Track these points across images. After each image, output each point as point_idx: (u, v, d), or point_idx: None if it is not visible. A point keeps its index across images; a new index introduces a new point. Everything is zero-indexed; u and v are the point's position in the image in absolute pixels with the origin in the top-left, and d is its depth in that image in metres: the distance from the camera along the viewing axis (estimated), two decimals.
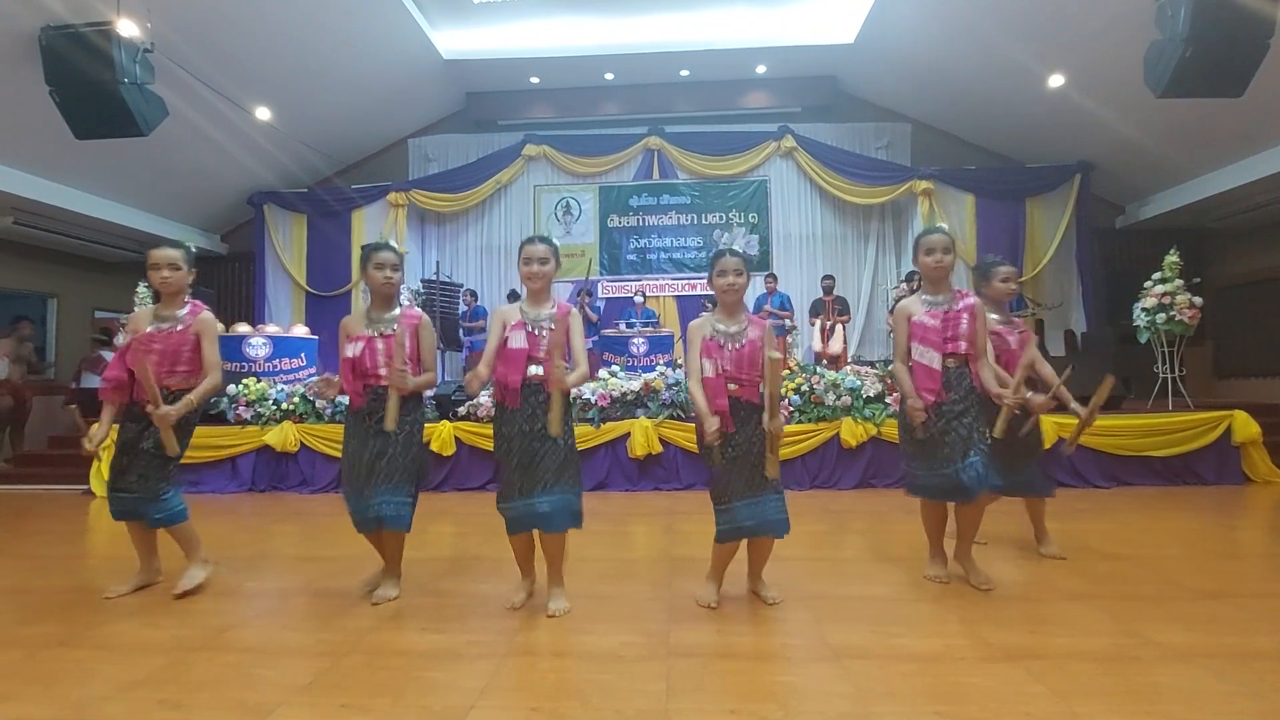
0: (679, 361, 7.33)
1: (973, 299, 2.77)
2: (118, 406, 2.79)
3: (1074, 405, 3.01)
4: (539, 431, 2.48)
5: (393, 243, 3.00)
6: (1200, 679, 1.94)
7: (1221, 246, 8.83)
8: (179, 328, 2.77)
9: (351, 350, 2.65)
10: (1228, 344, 8.74)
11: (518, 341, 2.52)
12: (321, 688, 1.96)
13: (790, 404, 5.55)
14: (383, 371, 2.64)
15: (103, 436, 2.79)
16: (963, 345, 2.70)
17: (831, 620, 2.46)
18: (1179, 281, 5.69)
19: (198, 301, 2.88)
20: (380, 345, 2.65)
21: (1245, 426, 5.28)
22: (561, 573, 2.63)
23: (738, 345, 2.52)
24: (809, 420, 5.52)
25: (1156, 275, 5.80)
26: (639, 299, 8.46)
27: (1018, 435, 2.90)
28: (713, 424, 2.37)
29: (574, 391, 2.89)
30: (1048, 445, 5.23)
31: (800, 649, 2.21)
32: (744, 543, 2.60)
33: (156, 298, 2.90)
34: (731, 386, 2.49)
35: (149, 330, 2.74)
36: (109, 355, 5.80)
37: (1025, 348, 3.00)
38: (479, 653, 2.21)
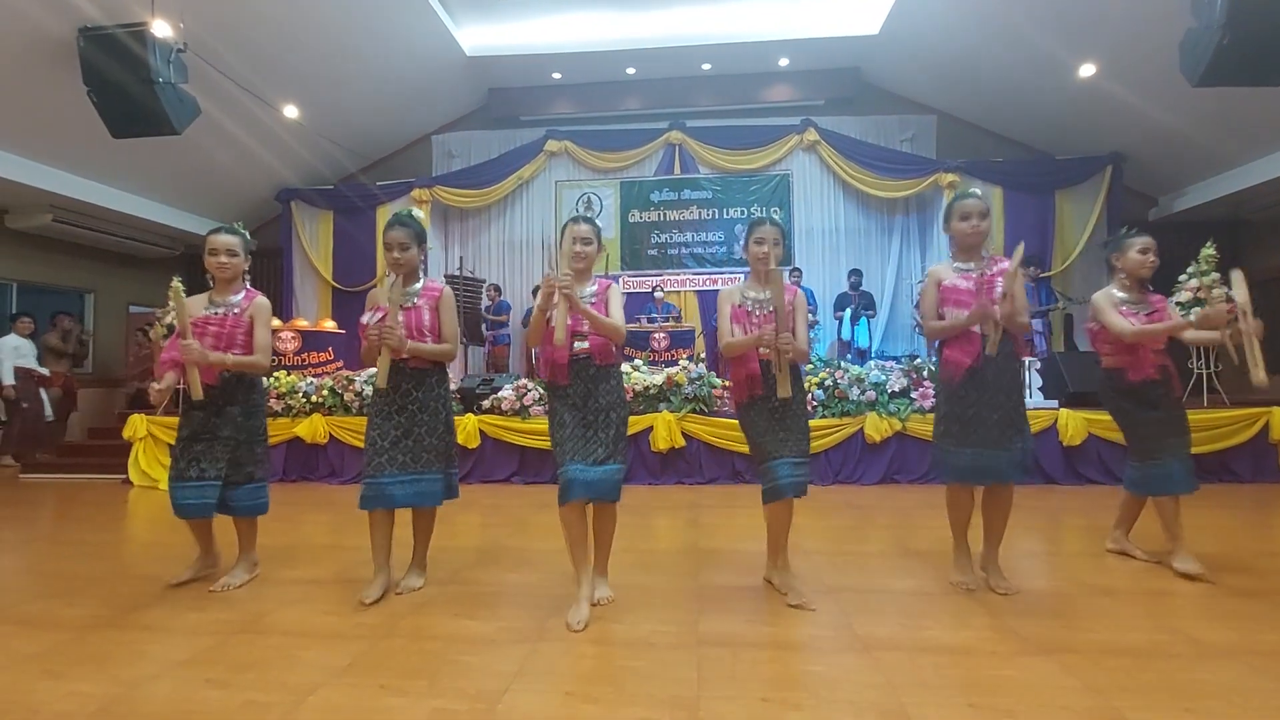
0: (701, 356, 7.33)
1: (1006, 263, 2.59)
2: (174, 381, 2.75)
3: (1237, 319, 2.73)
4: (592, 408, 2.49)
5: (417, 212, 2.94)
6: (1242, 676, 1.91)
7: (1259, 239, 8.59)
8: (235, 312, 2.79)
9: (368, 318, 2.64)
10: (1264, 339, 8.50)
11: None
12: (360, 669, 2.01)
13: (814, 398, 5.53)
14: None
15: (169, 385, 2.70)
16: (999, 311, 2.52)
17: (859, 613, 2.45)
18: (1215, 275, 5.55)
19: (253, 289, 2.91)
20: (401, 319, 2.63)
21: None
22: (607, 561, 2.66)
23: (768, 311, 2.53)
24: (833, 415, 5.49)
25: (1191, 269, 5.67)
26: (659, 294, 8.47)
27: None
28: (767, 330, 2.42)
29: None
30: (1077, 441, 5.20)
31: (829, 640, 2.22)
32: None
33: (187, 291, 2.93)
34: (762, 350, 2.51)
35: (203, 314, 2.77)
36: None
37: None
38: (511, 638, 2.24)
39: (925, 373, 5.47)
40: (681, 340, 7.57)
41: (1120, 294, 2.98)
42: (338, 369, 6.85)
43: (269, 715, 1.75)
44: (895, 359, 6.41)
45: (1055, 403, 5.45)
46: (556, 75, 9.22)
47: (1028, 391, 5.37)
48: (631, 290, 9.27)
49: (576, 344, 2.51)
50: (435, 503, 2.72)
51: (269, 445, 2.98)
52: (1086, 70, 7.27)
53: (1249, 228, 8.57)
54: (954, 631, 2.27)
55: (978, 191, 2.71)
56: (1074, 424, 5.19)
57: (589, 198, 9.64)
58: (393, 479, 2.59)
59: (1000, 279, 2.55)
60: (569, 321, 2.43)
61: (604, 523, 2.60)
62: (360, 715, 1.75)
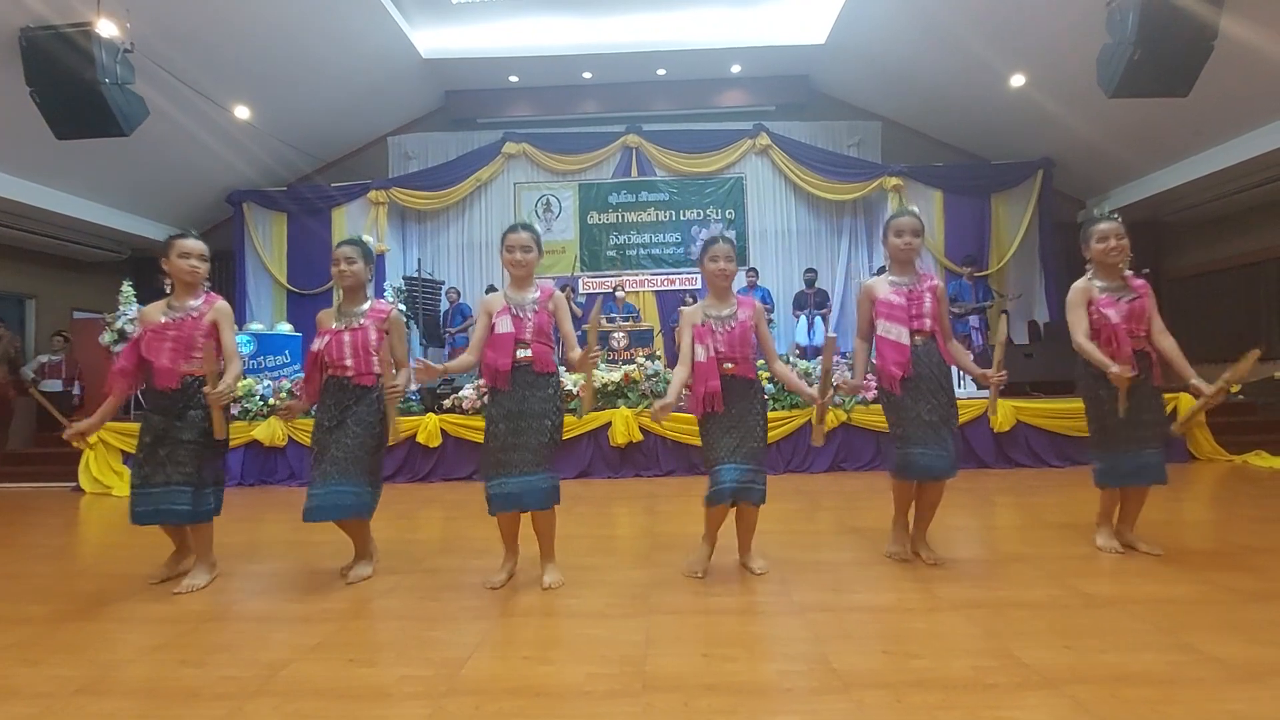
0: (658, 354, 7.54)
1: (935, 280, 2.84)
2: (121, 398, 2.83)
3: (1195, 381, 2.71)
4: (526, 413, 2.61)
5: (366, 237, 3.07)
6: (1117, 619, 2.19)
7: (1176, 240, 9.23)
8: (193, 315, 2.81)
9: (318, 344, 2.76)
10: (1180, 332, 8.99)
11: (504, 326, 2.64)
12: (330, 646, 2.14)
13: (765, 391, 5.79)
14: (348, 362, 2.73)
15: (93, 426, 2.79)
16: (927, 323, 2.78)
17: (798, 582, 2.68)
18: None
19: (212, 293, 2.94)
20: (347, 338, 2.73)
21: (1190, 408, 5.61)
22: (553, 549, 2.77)
23: (729, 327, 2.71)
24: (783, 407, 5.76)
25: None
26: (619, 294, 8.65)
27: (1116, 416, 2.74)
28: (665, 403, 2.56)
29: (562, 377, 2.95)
30: (1004, 428, 5.58)
31: (767, 605, 2.44)
32: (732, 517, 2.77)
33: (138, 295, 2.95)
34: (726, 365, 2.68)
35: (162, 320, 2.78)
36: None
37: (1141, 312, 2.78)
38: (474, 616, 2.39)
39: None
40: (640, 339, 7.77)
41: (1098, 283, 2.89)
42: (294, 372, 6.83)
43: (245, 688, 1.86)
44: (842, 354, 6.72)
45: (987, 393, 5.80)
46: (514, 78, 9.32)
47: (960, 383, 5.76)
48: (591, 291, 9.44)
49: (519, 352, 2.63)
50: (365, 515, 2.81)
51: (227, 450, 3.00)
52: (1018, 80, 7.74)
53: (1168, 229, 9.21)
54: (880, 594, 2.52)
55: (914, 209, 2.95)
56: (1003, 412, 5.56)
57: (548, 200, 9.77)
58: (324, 489, 2.66)
59: (929, 294, 2.79)
60: (513, 329, 2.64)
61: (542, 522, 2.70)
62: (332, 683, 1.89)
